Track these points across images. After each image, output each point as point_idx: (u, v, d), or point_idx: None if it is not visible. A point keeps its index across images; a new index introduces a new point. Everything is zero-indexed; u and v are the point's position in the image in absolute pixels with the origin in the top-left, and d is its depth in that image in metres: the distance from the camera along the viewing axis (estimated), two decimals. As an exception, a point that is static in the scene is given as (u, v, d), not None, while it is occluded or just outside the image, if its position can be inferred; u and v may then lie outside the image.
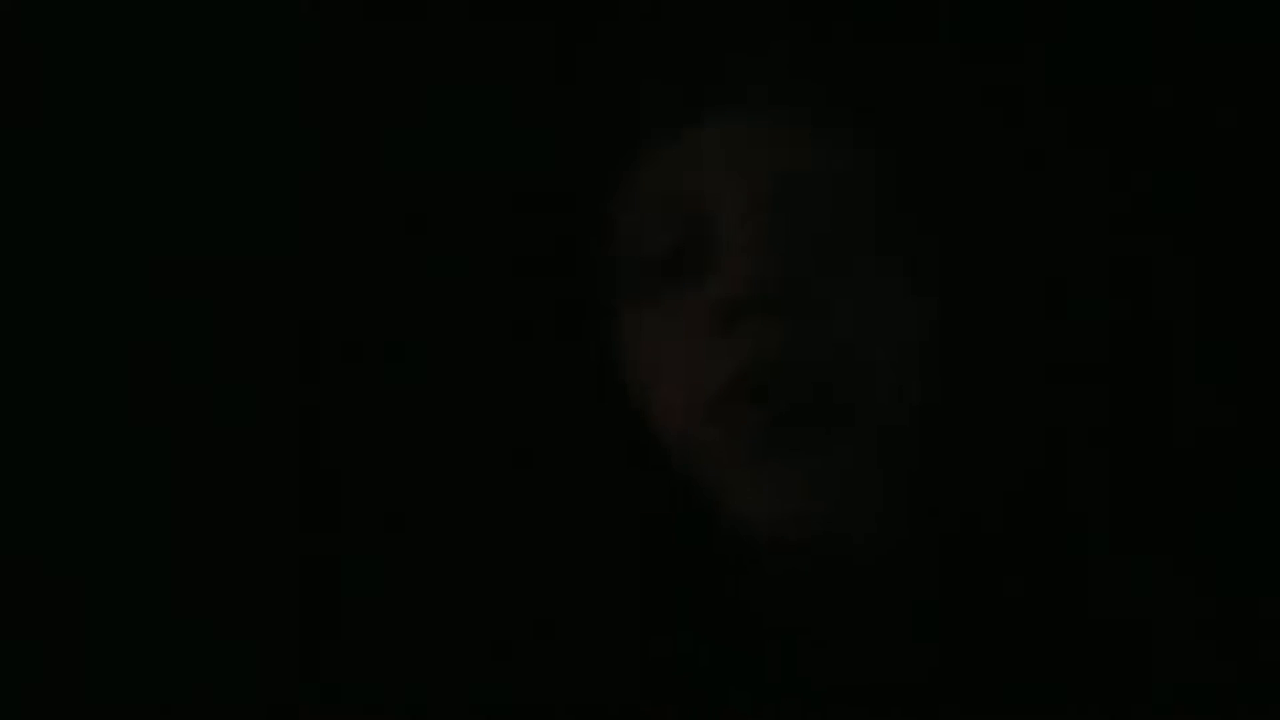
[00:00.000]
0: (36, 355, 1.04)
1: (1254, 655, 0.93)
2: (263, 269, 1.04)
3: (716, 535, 0.88)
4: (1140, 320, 0.99)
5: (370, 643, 0.96)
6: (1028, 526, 0.91)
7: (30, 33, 1.04)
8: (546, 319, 0.95)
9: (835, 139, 0.88)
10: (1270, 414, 1.00)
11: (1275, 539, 0.98)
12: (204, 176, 1.04)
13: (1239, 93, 1.00)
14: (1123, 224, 0.97)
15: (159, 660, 1.01)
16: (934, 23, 0.94)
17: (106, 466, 1.04)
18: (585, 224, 0.92)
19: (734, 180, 0.87)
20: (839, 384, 0.84)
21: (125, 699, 1.00)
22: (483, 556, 0.95)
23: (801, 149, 0.87)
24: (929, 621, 0.88)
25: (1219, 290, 1.01)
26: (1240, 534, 0.99)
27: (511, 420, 0.96)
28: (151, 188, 1.05)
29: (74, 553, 1.03)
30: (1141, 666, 0.90)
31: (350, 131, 1.04)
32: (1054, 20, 0.99)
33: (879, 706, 0.87)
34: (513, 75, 0.99)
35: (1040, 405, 0.92)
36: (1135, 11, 1.00)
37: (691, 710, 0.87)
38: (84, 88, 1.05)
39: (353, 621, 0.98)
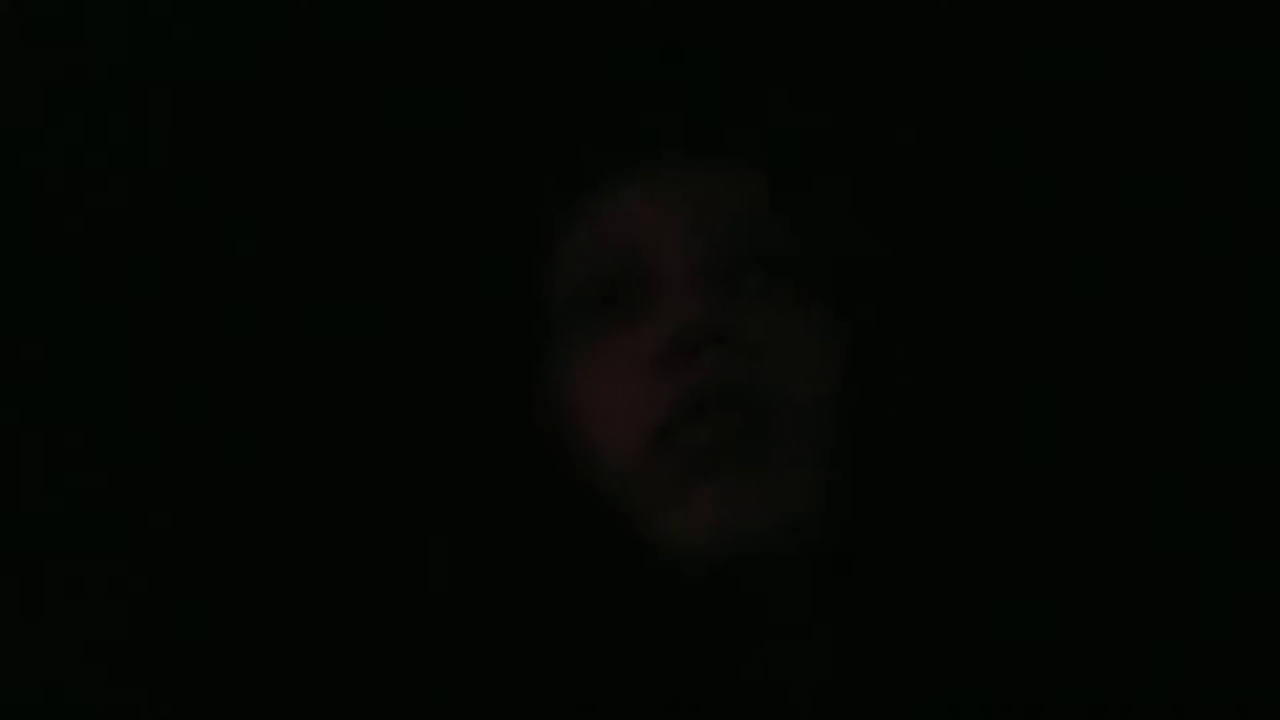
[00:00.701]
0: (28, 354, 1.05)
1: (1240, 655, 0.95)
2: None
3: (648, 569, 0.90)
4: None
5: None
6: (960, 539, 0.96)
7: (30, 33, 1.04)
8: (479, 355, 0.97)
9: (764, 197, 0.95)
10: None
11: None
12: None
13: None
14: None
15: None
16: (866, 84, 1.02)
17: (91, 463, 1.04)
18: (521, 262, 0.97)
19: (672, 230, 0.93)
20: (773, 410, 0.90)
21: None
22: (408, 596, 0.96)
23: (736, 204, 0.95)
24: (874, 633, 0.92)
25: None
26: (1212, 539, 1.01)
27: (440, 456, 0.98)
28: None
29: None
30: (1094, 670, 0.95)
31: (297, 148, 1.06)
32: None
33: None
34: (462, 107, 1.02)
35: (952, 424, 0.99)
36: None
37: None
38: (84, 87, 1.05)
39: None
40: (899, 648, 0.92)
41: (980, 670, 0.92)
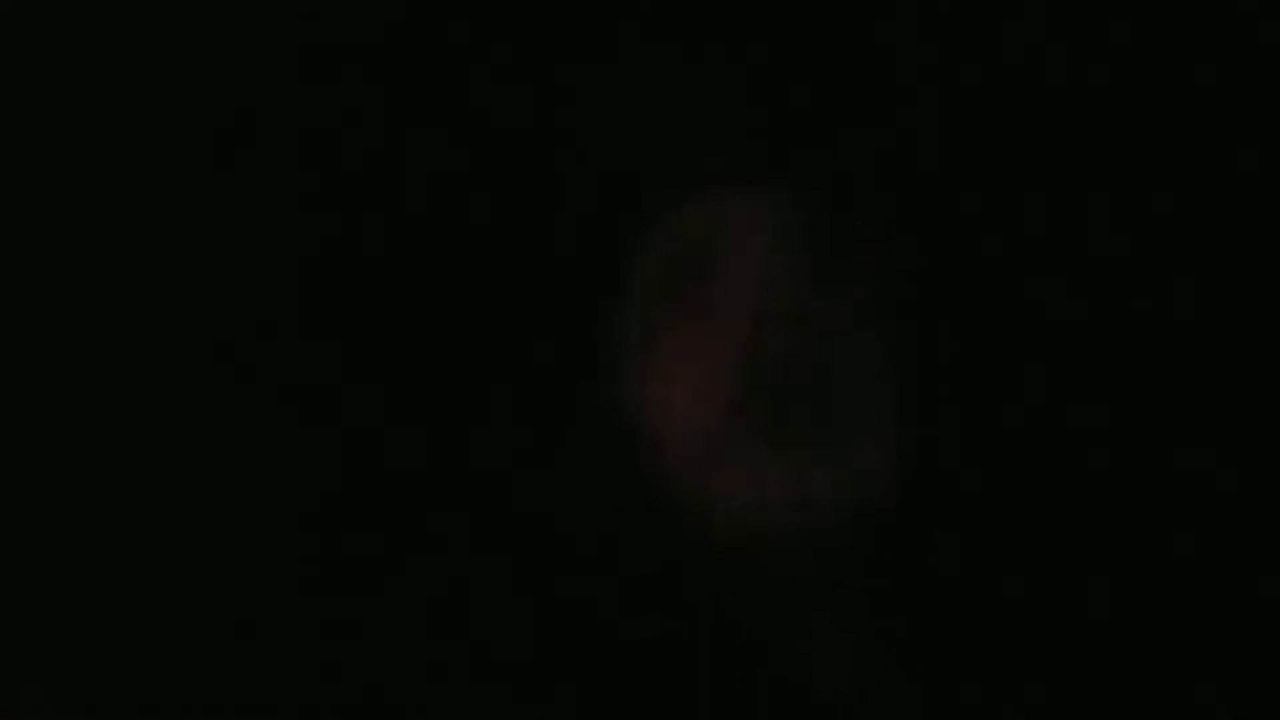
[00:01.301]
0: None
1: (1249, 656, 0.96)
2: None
3: (713, 535, 0.94)
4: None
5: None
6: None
7: (30, 33, 1.04)
8: (547, 321, 1.00)
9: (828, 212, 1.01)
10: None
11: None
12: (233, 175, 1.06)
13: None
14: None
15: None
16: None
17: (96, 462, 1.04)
18: (610, 241, 1.01)
19: (751, 227, 0.99)
20: (842, 394, 0.95)
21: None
22: (469, 556, 0.97)
23: (801, 215, 1.00)
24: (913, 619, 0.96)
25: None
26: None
27: (507, 419, 1.00)
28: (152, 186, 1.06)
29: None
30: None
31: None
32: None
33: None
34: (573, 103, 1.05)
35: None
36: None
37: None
38: (83, 87, 1.05)
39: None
40: (935, 634, 0.95)
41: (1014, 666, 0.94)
